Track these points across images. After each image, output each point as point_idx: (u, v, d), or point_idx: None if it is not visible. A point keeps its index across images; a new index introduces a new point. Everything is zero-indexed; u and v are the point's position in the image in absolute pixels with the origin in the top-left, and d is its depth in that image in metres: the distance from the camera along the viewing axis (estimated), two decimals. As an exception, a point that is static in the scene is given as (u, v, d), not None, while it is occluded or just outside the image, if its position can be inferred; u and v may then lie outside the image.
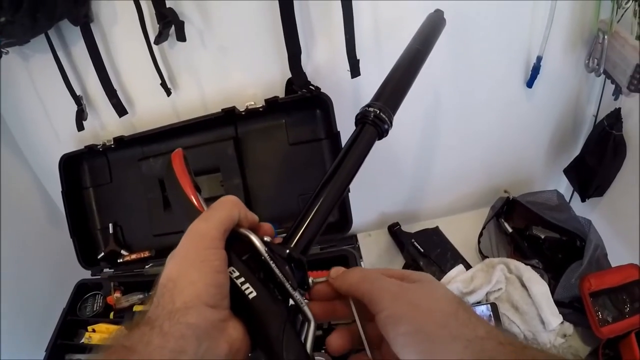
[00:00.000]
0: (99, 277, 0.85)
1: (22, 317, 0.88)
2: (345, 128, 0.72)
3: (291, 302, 0.31)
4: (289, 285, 0.29)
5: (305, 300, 0.31)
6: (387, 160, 0.85)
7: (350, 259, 0.71)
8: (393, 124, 0.38)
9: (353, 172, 0.35)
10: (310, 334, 0.29)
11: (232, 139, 0.76)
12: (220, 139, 0.77)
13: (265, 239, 0.31)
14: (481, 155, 0.93)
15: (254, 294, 0.28)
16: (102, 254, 0.86)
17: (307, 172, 0.75)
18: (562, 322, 0.74)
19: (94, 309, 0.83)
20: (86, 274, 0.89)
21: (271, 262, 0.29)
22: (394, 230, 0.88)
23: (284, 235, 0.33)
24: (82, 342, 0.80)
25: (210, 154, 0.77)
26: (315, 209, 0.33)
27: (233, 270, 0.29)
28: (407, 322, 0.26)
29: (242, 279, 0.28)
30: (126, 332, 0.24)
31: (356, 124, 0.38)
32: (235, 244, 0.30)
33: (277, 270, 0.29)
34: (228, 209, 0.30)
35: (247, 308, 0.28)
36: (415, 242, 0.81)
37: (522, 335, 0.73)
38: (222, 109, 0.74)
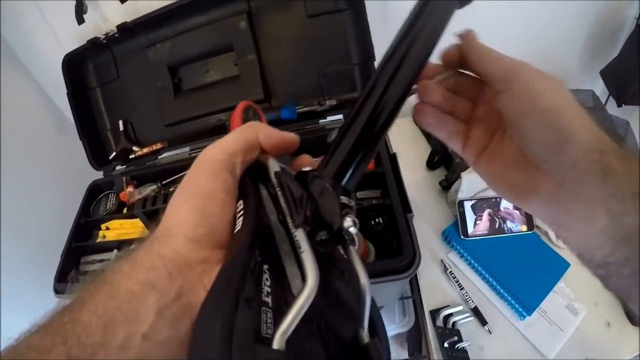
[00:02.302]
0: (112, 175, 0.82)
1: (37, 229, 0.86)
2: None
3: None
4: (290, 220, 0.20)
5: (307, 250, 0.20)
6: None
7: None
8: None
9: (423, 57, 0.25)
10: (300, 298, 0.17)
11: (245, 13, 0.70)
12: (232, 14, 0.70)
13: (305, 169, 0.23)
14: (515, 42, 0.85)
15: (239, 227, 0.21)
16: (114, 153, 0.83)
17: (327, 47, 0.68)
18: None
19: (107, 208, 0.80)
20: (99, 177, 0.86)
21: (277, 188, 0.22)
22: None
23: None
24: (97, 242, 0.78)
25: (222, 31, 0.70)
26: (360, 118, 0.23)
27: (241, 204, 0.22)
28: (546, 98, 0.25)
29: (242, 212, 0.21)
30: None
31: None
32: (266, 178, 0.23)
33: (281, 200, 0.21)
34: (240, 130, 0.24)
35: None
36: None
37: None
38: (233, -20, 0.68)
